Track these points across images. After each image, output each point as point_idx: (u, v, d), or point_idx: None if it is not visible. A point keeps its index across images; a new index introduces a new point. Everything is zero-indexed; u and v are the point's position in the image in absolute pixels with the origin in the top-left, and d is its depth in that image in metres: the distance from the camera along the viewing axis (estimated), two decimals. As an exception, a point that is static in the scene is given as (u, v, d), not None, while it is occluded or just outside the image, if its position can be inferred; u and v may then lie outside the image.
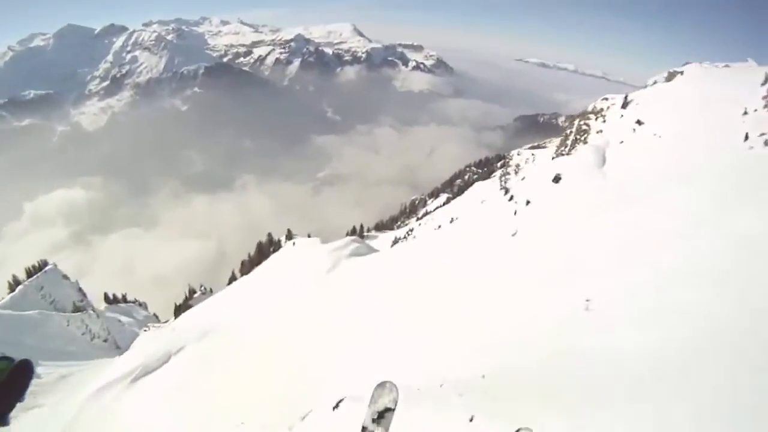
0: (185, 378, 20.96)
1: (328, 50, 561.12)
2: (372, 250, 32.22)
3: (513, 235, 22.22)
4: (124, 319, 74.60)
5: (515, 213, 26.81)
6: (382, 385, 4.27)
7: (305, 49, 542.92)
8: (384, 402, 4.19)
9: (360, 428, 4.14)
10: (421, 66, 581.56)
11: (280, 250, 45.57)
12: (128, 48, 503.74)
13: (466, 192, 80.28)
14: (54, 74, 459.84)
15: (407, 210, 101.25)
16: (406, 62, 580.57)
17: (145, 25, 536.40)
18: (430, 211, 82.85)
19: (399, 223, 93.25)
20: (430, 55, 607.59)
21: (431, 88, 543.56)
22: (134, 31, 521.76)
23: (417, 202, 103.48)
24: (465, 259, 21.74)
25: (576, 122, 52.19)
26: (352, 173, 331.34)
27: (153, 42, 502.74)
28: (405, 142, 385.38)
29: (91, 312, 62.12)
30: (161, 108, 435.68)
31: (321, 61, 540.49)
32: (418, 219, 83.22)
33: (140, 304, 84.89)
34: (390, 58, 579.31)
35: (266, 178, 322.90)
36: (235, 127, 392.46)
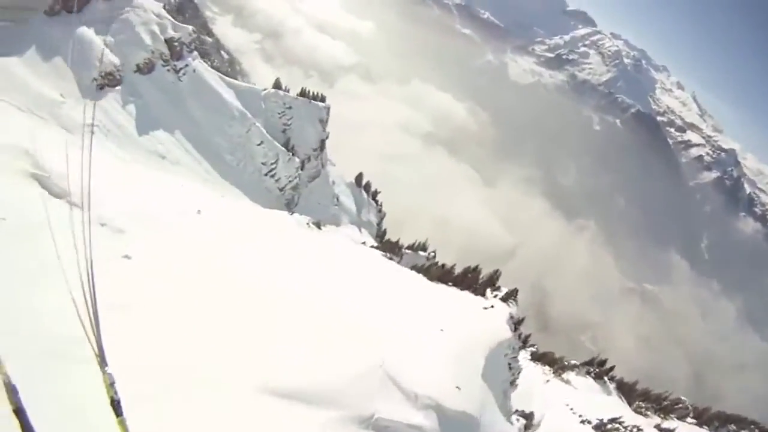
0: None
1: (749, 188, 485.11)
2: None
3: None
4: (347, 203, 71.92)
5: None
6: None
7: (729, 170, 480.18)
8: None
9: None
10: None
11: (474, 297, 31.76)
12: (586, 42, 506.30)
13: None
14: (511, 15, 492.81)
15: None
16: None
17: (614, 35, 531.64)
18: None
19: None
20: None
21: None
22: (599, 32, 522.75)
23: None
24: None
25: None
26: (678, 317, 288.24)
27: (610, 53, 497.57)
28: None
29: (296, 160, 60.14)
30: (576, 111, 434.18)
31: (733, 194, 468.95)
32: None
33: (380, 211, 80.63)
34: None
35: (611, 241, 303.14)
36: (619, 178, 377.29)
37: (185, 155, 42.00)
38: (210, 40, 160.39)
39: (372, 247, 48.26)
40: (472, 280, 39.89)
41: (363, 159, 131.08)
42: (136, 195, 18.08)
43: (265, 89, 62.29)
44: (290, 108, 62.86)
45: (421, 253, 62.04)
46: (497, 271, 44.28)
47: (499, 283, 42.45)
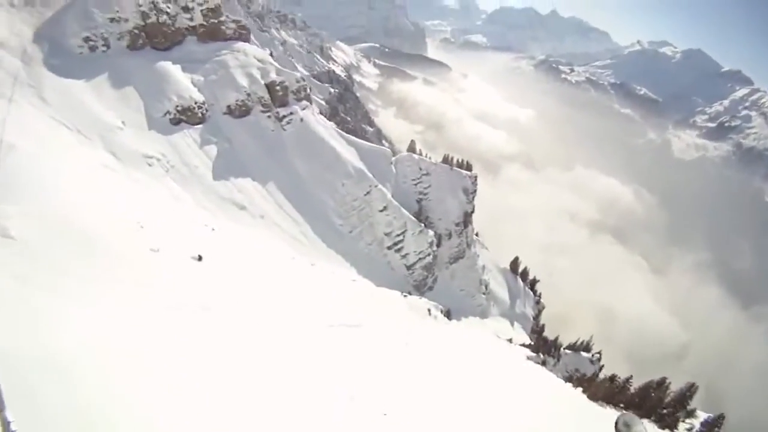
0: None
1: None
2: None
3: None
4: (499, 293, 65.52)
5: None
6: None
7: None
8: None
9: None
10: None
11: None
12: (746, 103, 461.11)
13: None
14: (667, 87, 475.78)
15: None
16: None
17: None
18: None
19: None
20: None
21: None
22: (758, 90, 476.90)
23: None
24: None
25: None
26: None
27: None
28: None
29: (430, 233, 53.54)
30: (746, 183, 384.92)
31: None
32: None
33: (538, 303, 73.68)
34: None
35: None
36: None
37: (275, 210, 36.68)
38: (371, 129, 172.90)
39: (523, 345, 42.65)
40: (655, 402, 28.53)
41: (523, 248, 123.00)
42: (102, 216, 17.84)
43: (399, 153, 56.20)
44: (427, 174, 56.51)
45: (584, 354, 53.67)
46: (693, 386, 32.84)
47: (693, 404, 30.77)
